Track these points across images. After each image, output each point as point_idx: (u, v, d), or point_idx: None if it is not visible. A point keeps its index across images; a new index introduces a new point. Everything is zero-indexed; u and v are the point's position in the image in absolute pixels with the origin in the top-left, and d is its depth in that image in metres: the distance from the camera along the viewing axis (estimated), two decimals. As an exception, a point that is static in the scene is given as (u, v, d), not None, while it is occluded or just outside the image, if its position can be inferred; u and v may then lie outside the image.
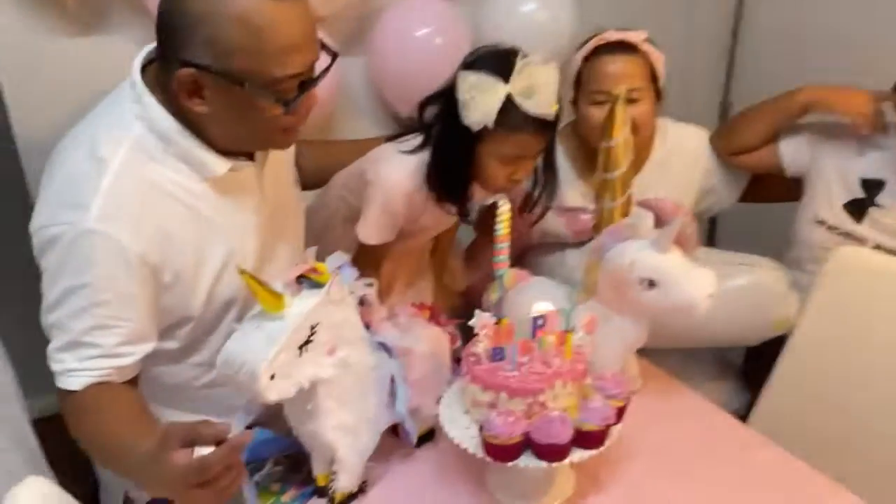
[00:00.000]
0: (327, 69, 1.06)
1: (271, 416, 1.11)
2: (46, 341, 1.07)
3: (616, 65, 1.46)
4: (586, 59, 1.50)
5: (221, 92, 1.00)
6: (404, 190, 1.29)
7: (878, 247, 1.48)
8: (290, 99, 1.02)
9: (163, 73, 1.03)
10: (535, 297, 1.27)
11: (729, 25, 2.27)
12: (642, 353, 1.31)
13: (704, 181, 1.64)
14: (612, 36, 1.49)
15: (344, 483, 1.10)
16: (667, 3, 2.18)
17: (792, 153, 1.58)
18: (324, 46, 1.06)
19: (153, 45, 1.07)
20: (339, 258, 1.05)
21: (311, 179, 1.42)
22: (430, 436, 1.21)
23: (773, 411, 1.42)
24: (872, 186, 1.50)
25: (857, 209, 1.51)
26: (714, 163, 1.63)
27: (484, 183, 1.29)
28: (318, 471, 1.12)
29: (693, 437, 1.24)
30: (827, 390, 1.38)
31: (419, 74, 1.52)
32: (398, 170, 1.30)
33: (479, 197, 1.35)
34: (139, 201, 1.02)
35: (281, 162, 1.24)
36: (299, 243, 1.30)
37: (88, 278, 1.00)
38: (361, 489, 1.13)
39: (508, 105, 1.20)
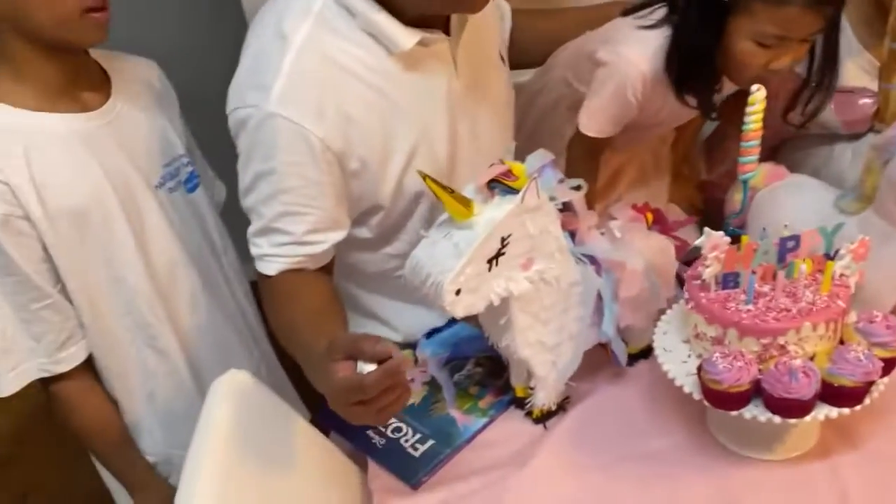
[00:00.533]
0: None
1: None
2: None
3: None
4: None
5: None
6: (642, 73, 1.08)
7: None
8: None
9: None
10: (793, 203, 1.03)
11: None
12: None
13: None
14: None
15: (542, 399, 1.01)
16: None
17: None
18: None
19: None
20: (542, 157, 0.90)
21: (530, 56, 1.25)
22: (645, 353, 1.06)
23: None
24: None
25: None
26: None
27: (734, 71, 1.04)
28: (516, 383, 1.04)
29: None
30: None
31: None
32: (636, 48, 1.08)
33: (728, 90, 1.09)
34: (321, 83, 0.95)
35: (482, 36, 1.09)
36: (505, 128, 1.16)
37: (274, 164, 0.96)
38: (562, 407, 1.03)
39: None
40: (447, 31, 1.01)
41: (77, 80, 1.08)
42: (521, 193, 0.84)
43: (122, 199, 1.09)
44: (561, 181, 0.92)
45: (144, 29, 1.70)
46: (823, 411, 0.84)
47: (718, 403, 0.85)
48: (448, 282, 0.83)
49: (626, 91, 1.09)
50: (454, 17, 1.03)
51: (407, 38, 0.96)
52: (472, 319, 1.10)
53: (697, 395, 0.88)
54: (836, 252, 0.88)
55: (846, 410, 0.84)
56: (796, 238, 0.87)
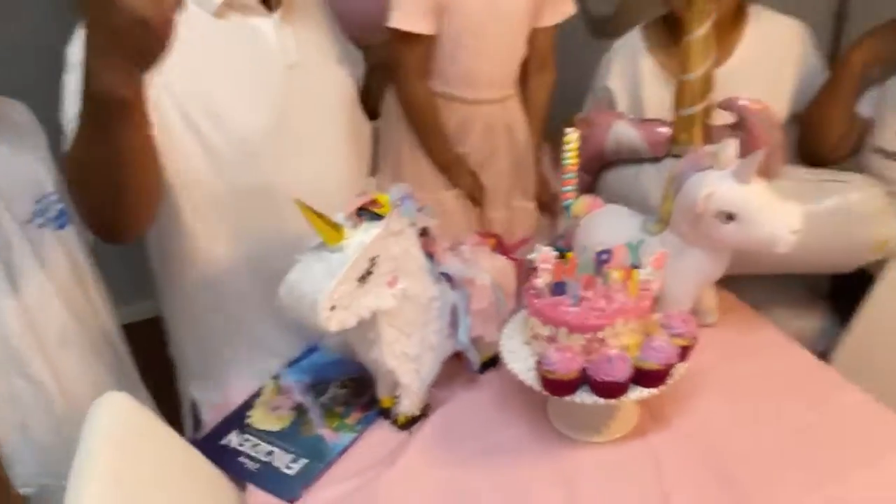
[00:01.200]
0: None
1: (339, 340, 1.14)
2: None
3: None
4: None
5: None
6: None
7: None
8: None
9: None
10: (608, 226, 1.24)
11: None
12: (725, 283, 1.25)
13: (798, 81, 1.47)
14: None
15: (406, 406, 1.13)
16: None
17: (868, 106, 1.42)
18: None
19: None
20: (402, 189, 1.04)
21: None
22: (494, 362, 1.22)
23: (860, 349, 1.35)
24: None
25: None
26: (811, 61, 1.47)
27: None
28: (383, 395, 1.15)
29: (768, 374, 1.19)
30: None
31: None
32: None
33: None
34: None
35: (314, 35, 1.25)
36: (334, 120, 1.29)
37: (77, 60, 1.04)
38: (424, 412, 1.15)
39: None
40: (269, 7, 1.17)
41: None
42: (385, 219, 0.97)
43: None
44: (419, 210, 1.06)
45: (8, 70, 1.71)
46: (637, 392, 1.01)
47: (554, 391, 1.01)
48: (323, 299, 0.94)
49: None
50: None
51: None
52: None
53: (537, 387, 1.03)
54: (641, 263, 1.08)
55: (655, 390, 1.02)
56: (609, 252, 1.05)
